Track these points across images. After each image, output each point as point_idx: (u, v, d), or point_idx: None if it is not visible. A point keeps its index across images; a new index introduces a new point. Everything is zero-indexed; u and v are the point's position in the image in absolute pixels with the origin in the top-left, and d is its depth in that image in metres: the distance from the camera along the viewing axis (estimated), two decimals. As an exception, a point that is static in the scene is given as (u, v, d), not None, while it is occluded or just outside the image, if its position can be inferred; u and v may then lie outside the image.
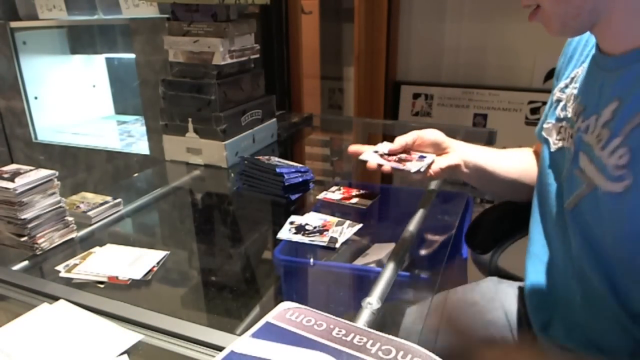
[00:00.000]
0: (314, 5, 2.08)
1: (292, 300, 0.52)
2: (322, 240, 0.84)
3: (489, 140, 1.41)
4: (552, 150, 0.67)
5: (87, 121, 2.33)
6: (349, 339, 0.46)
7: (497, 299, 0.86)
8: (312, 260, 0.82)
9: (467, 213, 1.06)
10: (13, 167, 0.84)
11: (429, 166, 0.79)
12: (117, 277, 0.76)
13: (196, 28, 1.22)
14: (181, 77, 1.26)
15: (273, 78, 1.74)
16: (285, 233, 0.87)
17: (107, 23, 1.92)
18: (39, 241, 0.81)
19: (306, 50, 1.89)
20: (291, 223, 0.91)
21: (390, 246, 0.84)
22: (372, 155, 0.82)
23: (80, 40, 2.19)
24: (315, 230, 0.88)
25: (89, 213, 0.94)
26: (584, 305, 0.61)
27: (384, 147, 0.84)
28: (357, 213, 0.97)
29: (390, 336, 0.46)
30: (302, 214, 0.95)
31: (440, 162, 0.80)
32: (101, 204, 0.97)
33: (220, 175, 1.25)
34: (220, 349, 0.55)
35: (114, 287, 0.74)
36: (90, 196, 1.00)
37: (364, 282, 0.80)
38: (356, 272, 0.84)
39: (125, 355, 0.56)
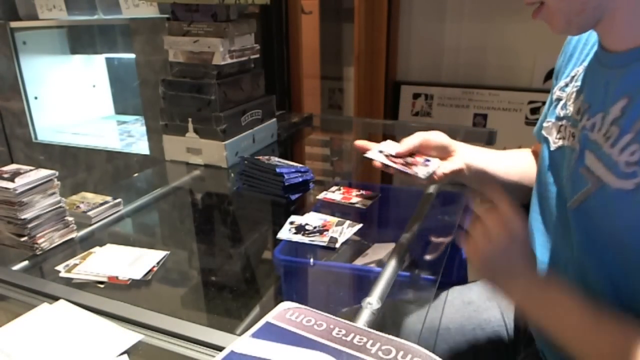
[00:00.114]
0: (314, 5, 2.08)
1: (292, 300, 0.52)
2: (322, 240, 0.84)
3: (489, 140, 1.41)
4: (551, 149, 0.67)
5: (87, 121, 2.33)
6: (349, 339, 0.46)
7: (494, 299, 0.86)
8: (312, 260, 0.82)
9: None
10: (13, 167, 0.84)
11: (434, 171, 0.79)
12: (117, 277, 0.76)
13: (196, 28, 1.21)
14: (181, 77, 1.26)
15: (273, 78, 1.74)
16: (285, 233, 0.87)
17: (107, 23, 1.92)
18: (39, 241, 0.81)
19: (306, 50, 1.89)
20: (291, 223, 0.91)
21: (390, 246, 0.84)
22: (378, 154, 0.81)
23: (80, 40, 2.19)
24: (315, 230, 0.88)
25: (89, 213, 0.94)
26: None
27: (390, 147, 0.83)
28: (357, 213, 0.97)
29: (390, 336, 0.46)
30: (302, 214, 0.95)
31: (445, 167, 0.79)
32: (101, 204, 0.97)
33: (220, 175, 1.25)
34: (220, 349, 0.55)
35: (114, 287, 0.74)
36: (90, 196, 1.00)
37: (364, 282, 0.80)
38: (356, 272, 0.84)
39: (125, 355, 0.56)
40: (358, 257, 0.89)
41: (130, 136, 2.17)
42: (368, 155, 0.81)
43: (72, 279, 0.75)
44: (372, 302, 0.58)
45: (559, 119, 0.67)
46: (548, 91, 0.76)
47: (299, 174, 1.08)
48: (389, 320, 0.65)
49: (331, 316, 0.50)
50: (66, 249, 0.85)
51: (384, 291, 0.61)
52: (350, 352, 0.45)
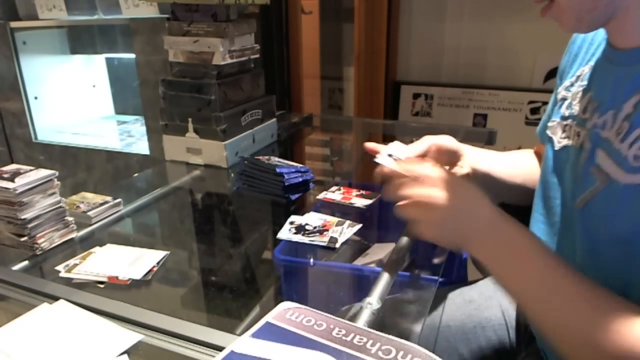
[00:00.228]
0: (314, 5, 2.08)
1: (292, 300, 0.52)
2: (322, 240, 0.84)
3: (489, 140, 1.41)
4: (556, 148, 0.66)
5: (87, 121, 2.33)
6: (349, 339, 0.46)
7: (494, 298, 0.86)
8: (312, 260, 0.82)
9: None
10: (13, 167, 0.84)
11: None
12: (117, 277, 0.76)
13: (196, 28, 1.22)
14: (181, 77, 1.26)
15: (273, 78, 1.74)
16: (285, 233, 0.87)
17: (107, 23, 1.92)
18: (39, 241, 0.81)
19: (306, 50, 1.89)
20: (291, 223, 0.91)
21: (390, 246, 0.84)
22: (388, 160, 0.75)
23: (80, 40, 2.19)
24: (315, 230, 0.88)
25: (89, 213, 0.94)
26: None
27: (398, 150, 0.78)
28: (357, 213, 0.97)
29: (390, 336, 0.46)
30: (302, 214, 0.95)
31: (454, 172, 0.79)
32: (101, 204, 0.97)
33: (220, 175, 1.25)
34: (220, 349, 0.55)
35: (114, 287, 0.74)
36: (90, 196, 1.00)
37: (364, 282, 0.80)
38: (356, 272, 0.84)
39: (125, 355, 0.56)
40: (358, 257, 0.89)
41: (130, 136, 2.17)
42: (379, 160, 0.75)
43: (72, 279, 0.75)
44: (372, 302, 0.58)
45: (563, 118, 0.67)
46: (548, 91, 0.76)
47: (299, 174, 1.08)
48: (389, 320, 0.65)
49: (331, 316, 0.50)
50: (66, 249, 0.85)
51: (384, 291, 0.61)
52: (350, 352, 0.45)
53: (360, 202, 1.00)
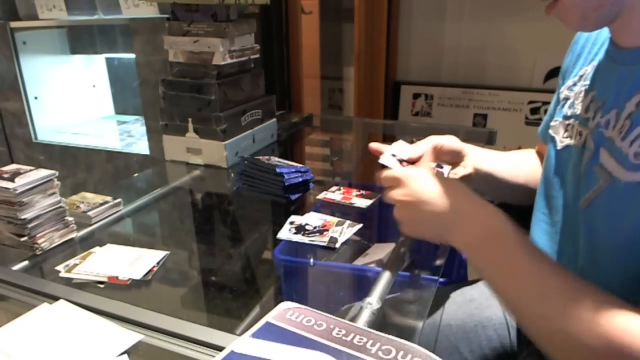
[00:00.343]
0: (314, 5, 2.08)
1: (292, 300, 0.52)
2: (322, 240, 0.84)
3: (489, 140, 1.41)
4: (558, 148, 0.66)
5: (87, 121, 2.33)
6: (349, 339, 0.46)
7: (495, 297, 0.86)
8: (312, 260, 0.82)
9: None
10: (13, 167, 0.84)
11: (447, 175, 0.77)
12: (117, 277, 0.76)
13: (196, 28, 1.22)
14: (181, 77, 1.26)
15: (273, 78, 1.74)
16: (285, 233, 0.87)
17: (107, 23, 1.92)
18: (39, 241, 0.81)
19: (306, 50, 1.89)
20: (291, 223, 0.91)
21: (390, 246, 0.84)
22: (391, 160, 0.77)
23: (80, 40, 2.19)
24: (315, 230, 0.88)
25: (89, 213, 0.94)
26: None
27: (401, 150, 0.79)
28: (357, 213, 0.97)
29: (390, 336, 0.46)
30: (302, 214, 0.95)
31: (456, 172, 0.79)
32: (101, 204, 0.97)
33: (220, 175, 1.25)
34: (220, 349, 0.55)
35: (114, 287, 0.74)
36: (90, 196, 1.00)
37: (364, 282, 0.80)
38: (356, 272, 0.84)
39: (125, 355, 0.56)
40: (358, 257, 0.89)
41: (130, 136, 2.17)
42: (382, 161, 0.77)
43: (72, 279, 0.75)
44: (372, 302, 0.58)
45: (566, 117, 0.67)
46: (548, 91, 0.76)
47: (299, 174, 1.08)
48: (389, 320, 0.65)
49: (331, 316, 0.50)
50: (66, 249, 0.85)
51: (384, 291, 0.61)
52: (350, 352, 0.45)
53: (360, 202, 1.00)
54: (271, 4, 1.49)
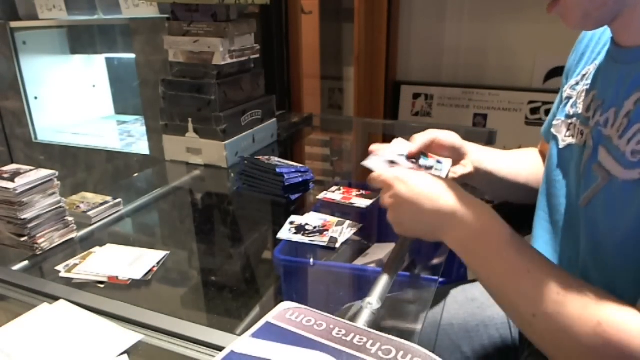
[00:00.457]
0: (314, 5, 2.08)
1: (292, 300, 0.52)
2: (322, 240, 0.84)
3: (489, 140, 1.41)
4: (560, 147, 0.67)
5: (87, 121, 2.33)
6: (349, 339, 0.46)
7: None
8: (312, 260, 0.82)
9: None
10: (13, 167, 0.84)
11: (447, 174, 0.76)
12: (117, 277, 0.76)
13: (196, 28, 1.22)
14: (181, 77, 1.26)
15: (273, 78, 1.74)
16: (285, 233, 0.87)
17: (107, 23, 1.92)
18: (39, 241, 0.81)
19: (306, 50, 1.89)
20: (291, 223, 0.91)
21: (390, 246, 0.84)
22: (375, 162, 0.72)
23: (80, 40, 2.19)
24: (315, 230, 0.88)
25: (89, 213, 0.94)
26: None
27: (401, 146, 0.77)
28: (357, 213, 0.97)
29: (390, 336, 0.46)
30: (302, 214, 0.95)
31: (456, 171, 0.79)
32: (101, 204, 0.97)
33: (220, 175, 1.25)
34: (220, 349, 0.55)
35: (114, 287, 0.74)
36: (90, 196, 1.00)
37: (364, 282, 0.80)
38: (356, 272, 0.84)
39: (125, 355, 0.56)
40: (358, 257, 0.89)
41: (130, 136, 2.17)
42: (364, 163, 0.72)
43: (72, 279, 0.75)
44: (372, 302, 0.58)
45: (568, 117, 0.67)
46: (548, 91, 0.76)
47: (299, 174, 1.08)
48: (389, 320, 0.65)
49: (331, 316, 0.50)
50: (66, 249, 0.85)
51: (384, 291, 0.61)
52: (350, 352, 0.45)
53: (360, 202, 1.00)
54: (271, 4, 1.49)
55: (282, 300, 0.53)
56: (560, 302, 0.48)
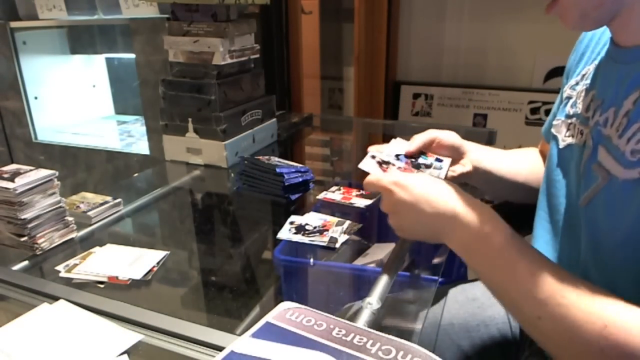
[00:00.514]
0: (314, 5, 2.08)
1: (292, 300, 0.52)
2: (322, 240, 0.84)
3: (489, 140, 1.41)
4: (560, 147, 0.67)
5: (87, 121, 2.33)
6: (349, 339, 0.46)
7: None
8: (312, 260, 0.82)
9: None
10: (13, 167, 0.84)
11: (445, 174, 0.77)
12: (117, 277, 0.76)
13: (196, 28, 1.22)
14: (181, 77, 1.26)
15: (273, 78, 1.74)
16: (285, 233, 0.87)
17: (107, 23, 1.92)
18: (39, 241, 0.81)
19: (306, 50, 1.89)
20: (291, 223, 0.91)
21: (390, 246, 0.84)
22: (370, 164, 0.73)
23: (80, 40, 2.19)
24: (315, 230, 0.88)
25: (89, 213, 0.94)
26: None
27: (399, 146, 0.78)
28: (357, 213, 0.97)
29: (390, 336, 0.46)
30: (302, 214, 0.95)
31: (455, 170, 0.79)
32: (101, 204, 0.97)
33: (220, 175, 1.25)
34: (220, 349, 0.55)
35: (114, 287, 0.74)
36: (90, 196, 1.00)
37: (364, 282, 0.80)
38: (356, 272, 0.84)
39: (125, 355, 0.56)
40: (358, 257, 0.89)
41: (130, 136, 2.17)
42: (361, 166, 0.73)
43: (72, 279, 0.75)
44: (372, 302, 0.58)
45: (568, 116, 0.67)
46: (548, 91, 0.76)
47: (299, 174, 1.08)
48: (389, 320, 0.65)
49: (331, 316, 0.50)
50: (66, 249, 0.85)
51: (384, 291, 0.61)
52: (350, 352, 0.45)
53: (360, 202, 1.00)
54: (271, 4, 1.49)
55: (282, 300, 0.53)
56: (566, 304, 0.48)
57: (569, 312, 0.48)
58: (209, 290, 0.83)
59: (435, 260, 0.80)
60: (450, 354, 0.81)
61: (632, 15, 0.53)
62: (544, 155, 0.84)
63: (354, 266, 0.85)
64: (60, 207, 0.84)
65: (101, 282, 0.75)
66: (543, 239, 0.69)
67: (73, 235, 0.87)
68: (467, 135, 0.86)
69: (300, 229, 0.88)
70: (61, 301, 0.65)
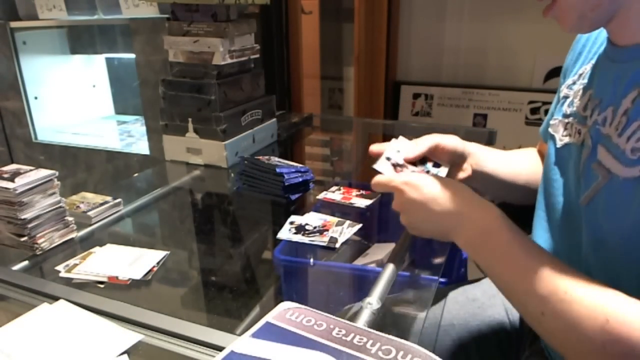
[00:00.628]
0: (314, 5, 2.08)
1: (292, 300, 0.52)
2: (322, 240, 0.84)
3: (489, 140, 1.41)
4: (558, 146, 0.67)
5: (87, 121, 2.33)
6: (349, 339, 0.46)
7: (498, 296, 0.86)
8: (312, 260, 0.82)
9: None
10: (13, 167, 0.84)
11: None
12: (117, 277, 0.76)
13: (196, 28, 1.22)
14: (181, 77, 1.26)
15: (273, 78, 1.74)
16: (285, 233, 0.87)
17: (107, 23, 1.92)
18: (39, 241, 0.81)
19: (306, 50, 1.89)
20: (291, 223, 0.91)
21: (390, 246, 0.84)
22: (385, 166, 0.75)
23: (80, 40, 2.19)
24: (315, 230, 0.88)
25: (89, 213, 0.94)
26: None
27: (402, 148, 0.78)
28: (357, 213, 0.97)
29: (390, 336, 0.46)
30: (302, 214, 0.95)
31: (454, 175, 0.79)
32: (101, 204, 0.97)
33: (220, 175, 1.25)
34: (220, 349, 0.55)
35: (114, 287, 0.74)
36: (90, 196, 1.00)
37: (364, 282, 0.80)
38: (356, 272, 0.84)
39: (125, 355, 0.56)
40: (358, 257, 0.89)
41: (130, 136, 2.17)
42: (375, 166, 0.76)
43: (72, 279, 0.75)
44: (372, 302, 0.58)
45: (565, 116, 0.67)
46: (548, 91, 0.76)
47: (299, 174, 1.08)
48: (389, 320, 0.65)
49: (331, 316, 0.50)
50: (66, 249, 0.85)
51: (384, 291, 0.61)
52: (350, 352, 0.45)
53: (360, 202, 1.00)
54: (271, 4, 1.49)
55: (282, 300, 0.53)
56: (568, 300, 0.49)
57: (571, 308, 0.48)
58: (209, 290, 0.83)
59: (435, 261, 0.80)
60: (451, 355, 0.81)
61: (629, 16, 0.53)
62: (542, 155, 0.84)
63: (354, 266, 0.85)
64: (60, 207, 0.84)
65: (101, 282, 0.75)
66: (542, 238, 0.69)
67: (73, 235, 0.87)
68: (467, 135, 0.86)
69: (300, 229, 0.88)
70: (61, 301, 0.65)
